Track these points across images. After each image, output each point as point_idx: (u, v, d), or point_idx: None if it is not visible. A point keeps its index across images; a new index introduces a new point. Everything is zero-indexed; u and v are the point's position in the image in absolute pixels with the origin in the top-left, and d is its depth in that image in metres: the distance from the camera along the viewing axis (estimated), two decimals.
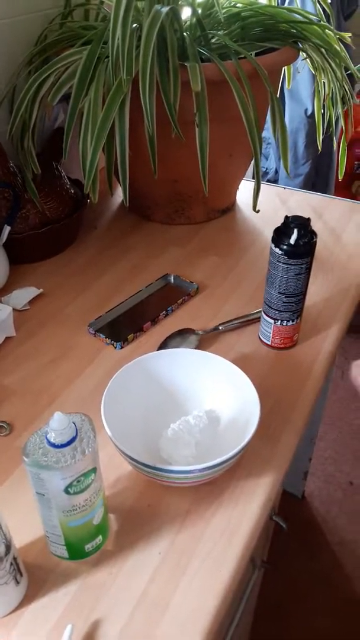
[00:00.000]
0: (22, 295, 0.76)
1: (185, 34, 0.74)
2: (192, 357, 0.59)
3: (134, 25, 0.68)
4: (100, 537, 0.47)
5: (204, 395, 0.59)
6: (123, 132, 0.69)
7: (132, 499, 0.52)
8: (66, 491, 0.40)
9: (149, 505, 0.52)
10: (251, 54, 0.74)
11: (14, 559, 0.42)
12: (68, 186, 0.86)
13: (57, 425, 0.39)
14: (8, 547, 0.41)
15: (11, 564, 0.41)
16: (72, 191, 0.87)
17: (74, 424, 0.40)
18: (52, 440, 0.39)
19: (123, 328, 0.72)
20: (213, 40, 0.79)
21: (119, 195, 1.03)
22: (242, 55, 0.73)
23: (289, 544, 1.36)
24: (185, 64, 0.68)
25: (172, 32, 0.68)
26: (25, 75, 0.81)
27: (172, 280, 0.81)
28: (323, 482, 1.52)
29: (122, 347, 0.70)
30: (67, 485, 0.40)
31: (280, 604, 1.25)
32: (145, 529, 0.50)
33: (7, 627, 0.44)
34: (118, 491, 0.53)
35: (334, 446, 1.61)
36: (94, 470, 0.42)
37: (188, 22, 0.81)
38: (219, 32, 0.81)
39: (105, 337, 0.71)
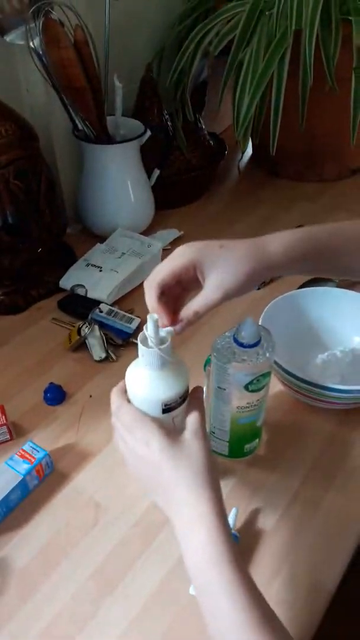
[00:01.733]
0: (166, 236, 0.82)
1: None
2: (339, 296, 0.62)
3: None
4: (257, 440, 0.52)
5: (349, 334, 0.62)
6: (281, 83, 0.72)
7: (279, 416, 0.57)
8: (246, 387, 0.45)
9: (295, 423, 0.57)
10: None
11: None
12: (207, 137, 0.91)
13: (248, 328, 0.44)
14: None
15: None
16: (210, 142, 0.91)
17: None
18: (241, 340, 0.44)
19: None
20: None
21: (247, 151, 1.06)
22: None
23: None
24: (349, 18, 0.70)
25: None
26: (177, 29, 0.85)
27: None
28: None
29: (259, 289, 0.74)
30: (248, 382, 0.45)
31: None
32: (292, 441, 0.55)
33: None
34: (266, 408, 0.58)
35: None
36: (269, 373, 0.47)
37: None
38: None
39: None
